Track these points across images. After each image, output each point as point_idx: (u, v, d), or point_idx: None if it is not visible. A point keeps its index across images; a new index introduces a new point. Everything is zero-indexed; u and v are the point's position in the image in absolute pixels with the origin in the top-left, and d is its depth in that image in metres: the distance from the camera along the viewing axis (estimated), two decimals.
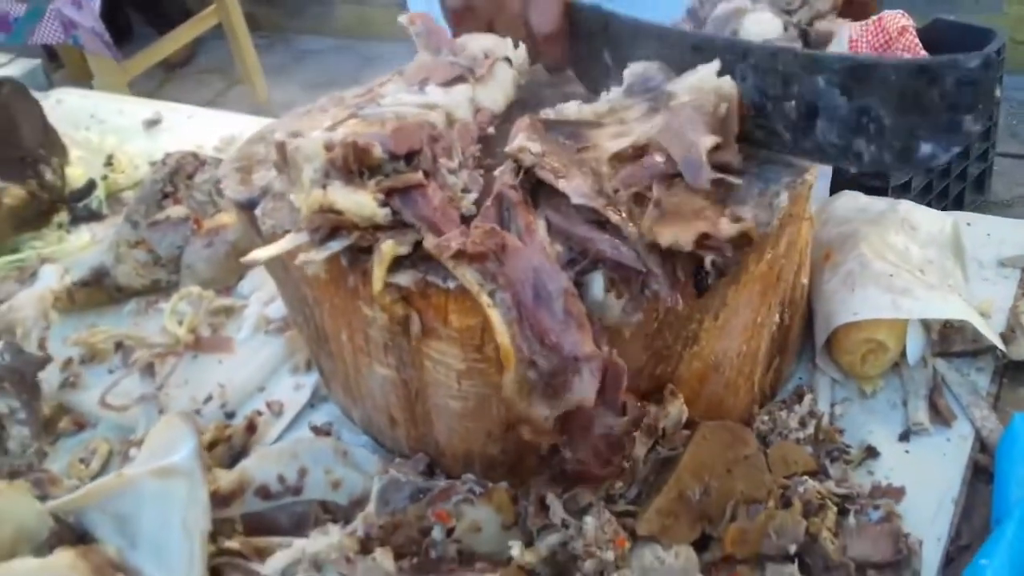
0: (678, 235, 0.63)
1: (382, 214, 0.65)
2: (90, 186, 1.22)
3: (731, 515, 0.71)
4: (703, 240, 0.63)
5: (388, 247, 0.65)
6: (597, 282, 0.66)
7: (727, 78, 0.71)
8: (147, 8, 4.04)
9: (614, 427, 0.66)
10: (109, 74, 3.10)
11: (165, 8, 3.90)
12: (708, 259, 0.64)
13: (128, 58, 3.23)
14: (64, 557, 0.70)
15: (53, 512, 0.77)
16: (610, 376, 0.64)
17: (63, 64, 3.77)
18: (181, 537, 0.72)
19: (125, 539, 0.75)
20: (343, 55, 4.10)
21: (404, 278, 0.67)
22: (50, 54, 3.73)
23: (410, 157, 0.69)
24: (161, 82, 4.03)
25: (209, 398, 0.93)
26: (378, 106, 0.78)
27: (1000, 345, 0.81)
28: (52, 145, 1.27)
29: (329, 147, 0.68)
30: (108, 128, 1.40)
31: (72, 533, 0.77)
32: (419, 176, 0.67)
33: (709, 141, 0.67)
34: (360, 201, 0.65)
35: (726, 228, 0.63)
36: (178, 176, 1.09)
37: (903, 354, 0.83)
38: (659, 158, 0.67)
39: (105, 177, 1.24)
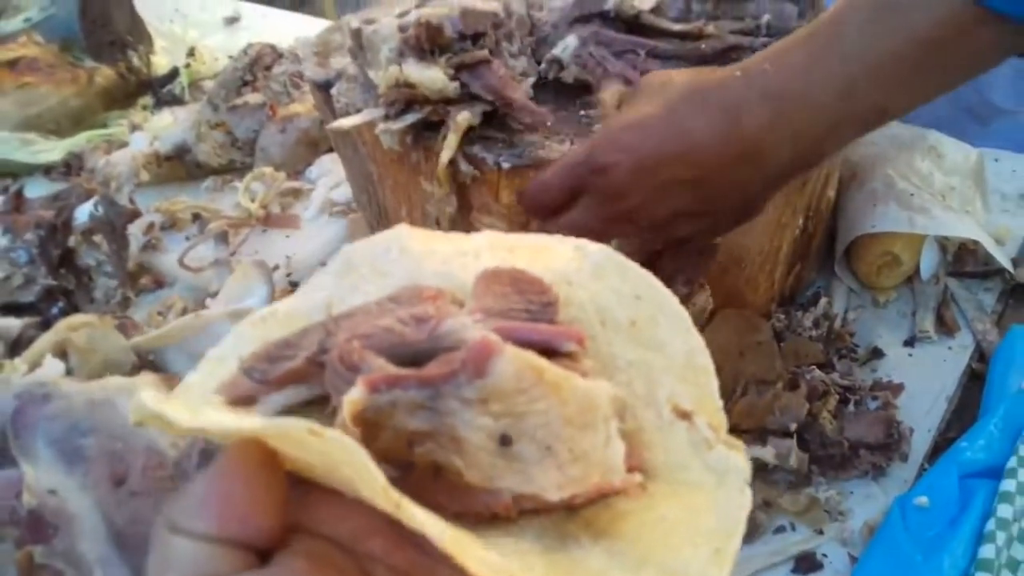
0: None
1: (452, 87, 0.73)
2: (173, 73, 1.31)
3: (741, 392, 0.79)
4: None
5: (463, 117, 0.72)
6: None
7: None
8: None
9: None
10: None
11: None
12: None
13: None
14: (147, 378, 0.80)
15: (136, 348, 0.87)
16: None
17: None
18: None
19: None
20: None
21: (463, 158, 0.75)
22: None
23: (476, 38, 0.76)
24: None
25: (276, 267, 1.02)
26: None
27: (1008, 267, 0.86)
28: (139, 33, 1.36)
29: (403, 29, 0.76)
30: (190, 22, 1.49)
31: (152, 368, 0.87)
32: (485, 53, 0.74)
33: None
34: (433, 76, 0.72)
35: None
36: (257, 66, 1.17)
37: (917, 269, 0.89)
38: None
39: (187, 66, 1.32)
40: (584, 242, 0.34)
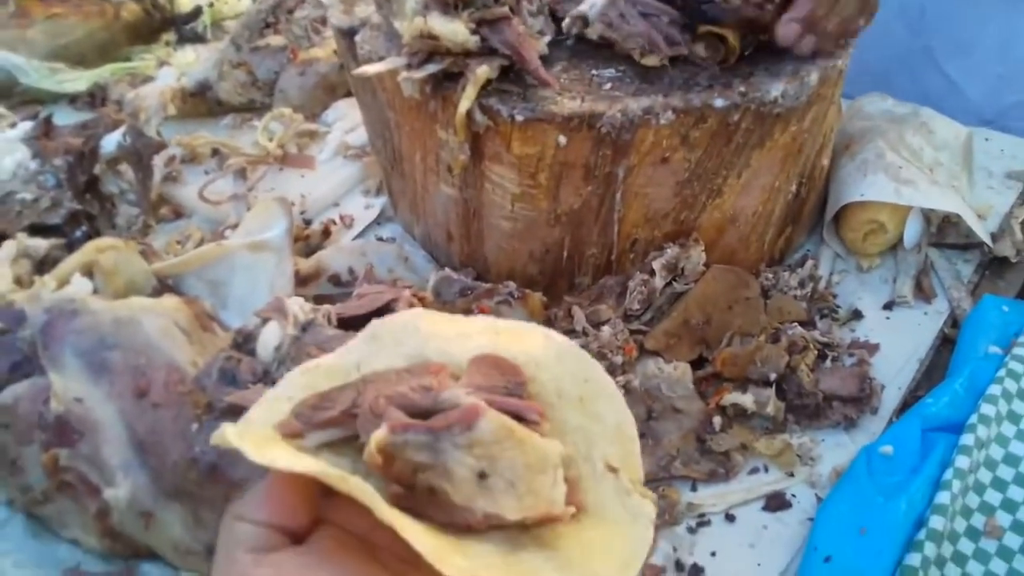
0: None
1: (473, 41, 0.77)
2: (197, 11, 1.35)
3: (726, 343, 0.84)
4: None
5: (483, 71, 0.77)
6: None
7: None
8: None
9: None
10: None
11: None
12: None
13: None
14: (171, 300, 0.85)
15: (156, 273, 0.92)
16: None
17: None
18: (267, 300, 0.86)
19: (217, 300, 0.89)
20: None
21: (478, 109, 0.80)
22: None
23: None
24: None
25: (291, 204, 1.06)
26: None
27: (987, 240, 0.91)
28: None
29: None
30: None
31: (171, 292, 0.91)
32: (505, 10, 0.78)
33: None
34: (455, 28, 0.76)
35: None
36: (280, 9, 1.21)
37: (901, 238, 0.94)
38: None
39: (211, 5, 1.36)
40: (551, 332, 0.47)
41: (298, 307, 0.78)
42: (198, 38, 1.33)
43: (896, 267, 0.94)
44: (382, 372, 0.45)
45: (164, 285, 0.92)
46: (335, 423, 0.43)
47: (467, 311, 0.84)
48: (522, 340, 0.47)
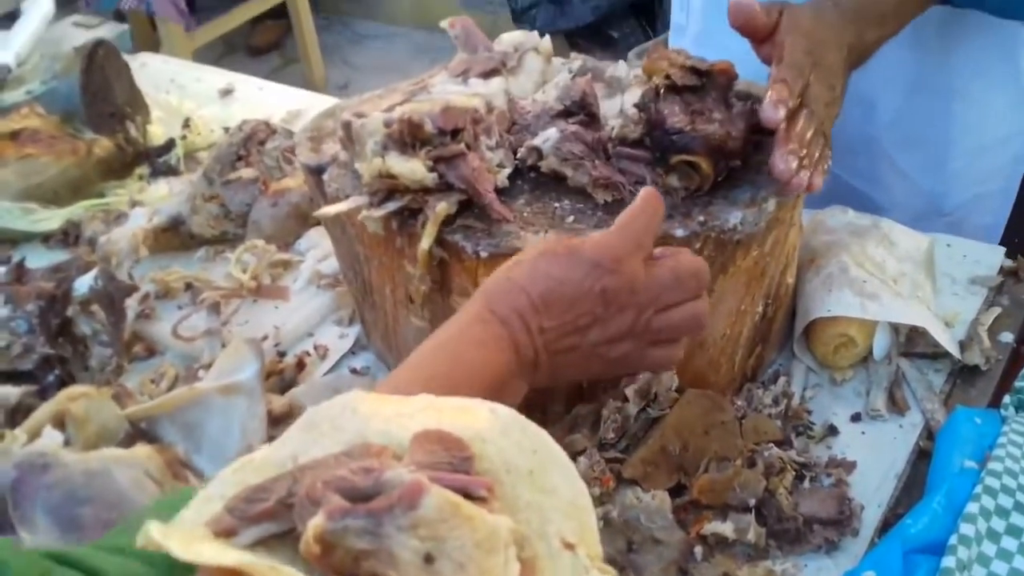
0: None
1: (430, 178, 0.79)
2: (169, 144, 1.37)
3: (704, 469, 0.83)
4: None
5: (442, 207, 0.78)
6: None
7: None
8: None
9: None
10: (177, 42, 3.26)
11: None
12: None
13: (191, 29, 3.39)
14: (143, 450, 0.84)
15: (130, 417, 0.91)
16: None
17: (131, 30, 3.92)
18: (240, 444, 0.86)
19: (191, 444, 0.89)
20: (398, 42, 4.24)
21: (443, 247, 0.81)
22: (118, 18, 3.90)
23: (455, 133, 0.82)
24: (221, 55, 4.18)
25: (265, 337, 1.06)
26: (428, 94, 0.91)
27: (954, 351, 0.92)
28: (137, 104, 1.42)
29: (388, 124, 0.82)
30: (186, 93, 1.55)
31: (145, 437, 0.91)
32: (461, 147, 0.80)
33: None
34: (412, 167, 0.78)
35: None
36: (251, 142, 1.23)
37: (872, 351, 0.94)
38: None
39: (183, 137, 1.38)
40: (496, 405, 0.44)
41: None
42: (171, 171, 1.34)
43: (868, 379, 0.94)
44: (320, 459, 0.41)
45: (137, 430, 0.91)
46: (270, 515, 0.39)
47: None
48: (466, 415, 0.44)
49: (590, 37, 3.49)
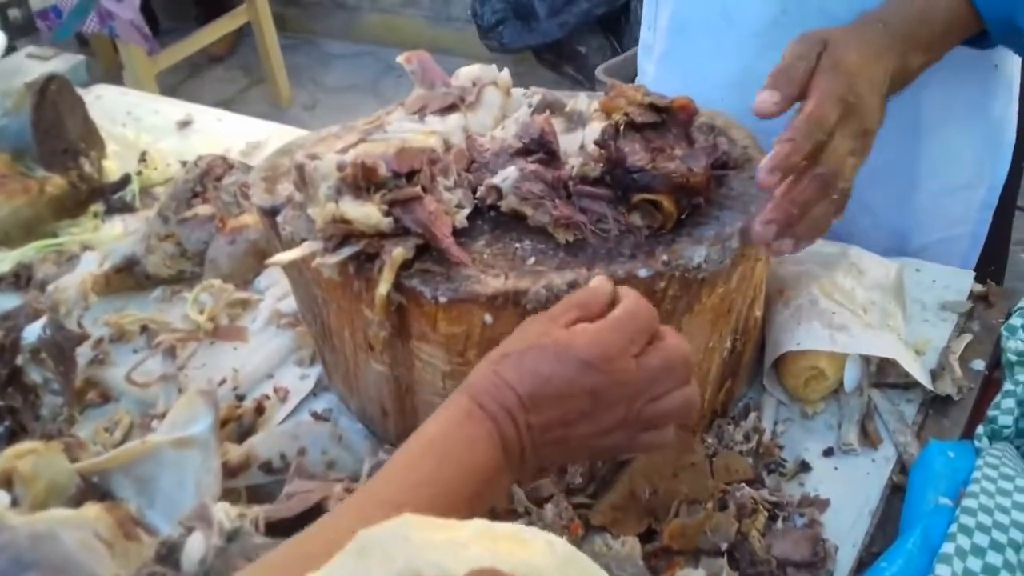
0: None
1: (386, 222, 0.76)
2: (125, 180, 1.33)
3: (674, 513, 0.81)
4: None
5: (398, 252, 0.76)
6: None
7: None
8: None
9: None
10: (140, 66, 3.22)
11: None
12: None
13: (155, 52, 3.36)
14: (92, 509, 0.81)
15: (81, 472, 0.88)
16: None
17: (94, 53, 3.88)
18: (194, 499, 0.82)
19: (144, 499, 0.85)
20: (366, 61, 4.22)
21: (400, 292, 0.78)
22: (81, 42, 3.86)
23: (411, 175, 0.80)
24: (186, 76, 4.14)
25: (223, 381, 1.03)
26: (384, 133, 0.89)
27: (925, 382, 0.91)
28: (92, 139, 1.38)
29: (341, 167, 0.79)
30: (143, 126, 1.51)
31: (96, 491, 0.87)
32: (417, 190, 0.78)
33: None
34: (367, 212, 0.76)
35: None
36: (208, 177, 1.20)
37: (843, 382, 0.93)
38: None
39: (139, 173, 1.35)
40: (553, 538, 0.45)
41: (223, 514, 0.75)
42: (127, 207, 1.31)
43: (840, 411, 0.92)
44: None
45: (89, 484, 0.88)
46: None
47: None
48: (522, 548, 0.44)
49: (558, 53, 3.48)
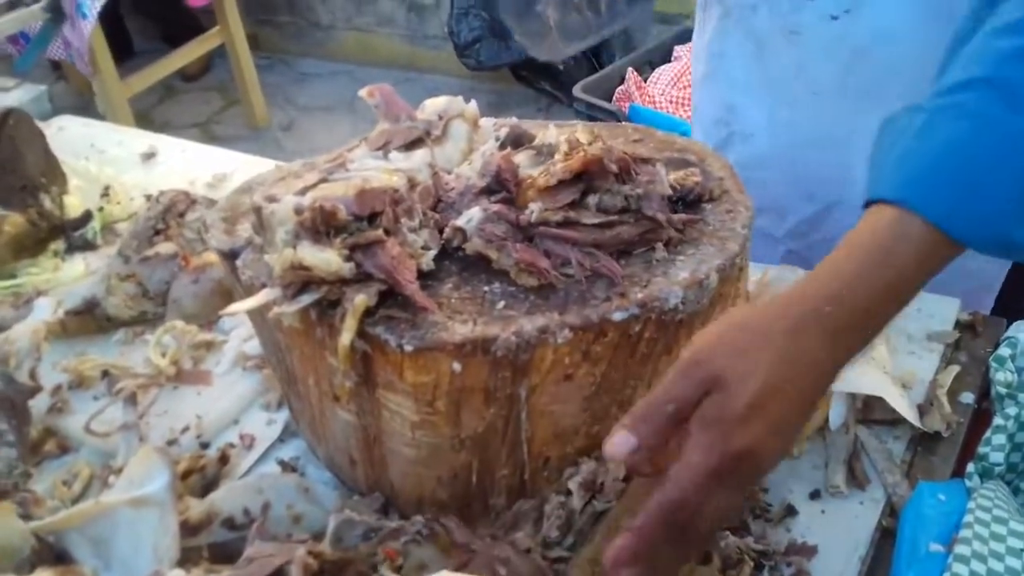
0: None
1: (347, 268, 0.73)
2: (86, 216, 1.29)
3: None
4: None
5: (360, 300, 0.72)
6: None
7: None
8: (161, 20, 4.12)
9: None
10: (112, 90, 3.17)
11: (178, 22, 3.98)
12: None
13: (130, 75, 3.31)
14: (44, 575, 0.77)
15: (35, 532, 0.84)
16: None
17: (67, 78, 3.84)
18: (151, 562, 0.79)
19: (100, 561, 0.81)
20: (341, 80, 4.18)
21: (365, 339, 0.75)
22: (54, 66, 3.81)
23: (373, 217, 0.76)
24: (161, 99, 4.10)
25: (186, 428, 0.99)
26: (346, 171, 0.85)
27: (912, 420, 0.88)
28: (53, 174, 1.34)
29: (299, 211, 0.76)
30: (106, 159, 1.47)
31: (51, 553, 0.83)
32: (379, 233, 0.74)
33: None
34: (327, 258, 0.72)
35: None
36: (170, 214, 1.16)
37: (828, 419, 0.90)
38: None
39: (101, 209, 1.31)
40: None
41: None
42: (88, 245, 1.27)
43: (826, 451, 0.89)
44: None
45: (44, 544, 0.84)
46: None
47: (371, 555, 0.78)
48: None
49: (536, 71, 3.46)
